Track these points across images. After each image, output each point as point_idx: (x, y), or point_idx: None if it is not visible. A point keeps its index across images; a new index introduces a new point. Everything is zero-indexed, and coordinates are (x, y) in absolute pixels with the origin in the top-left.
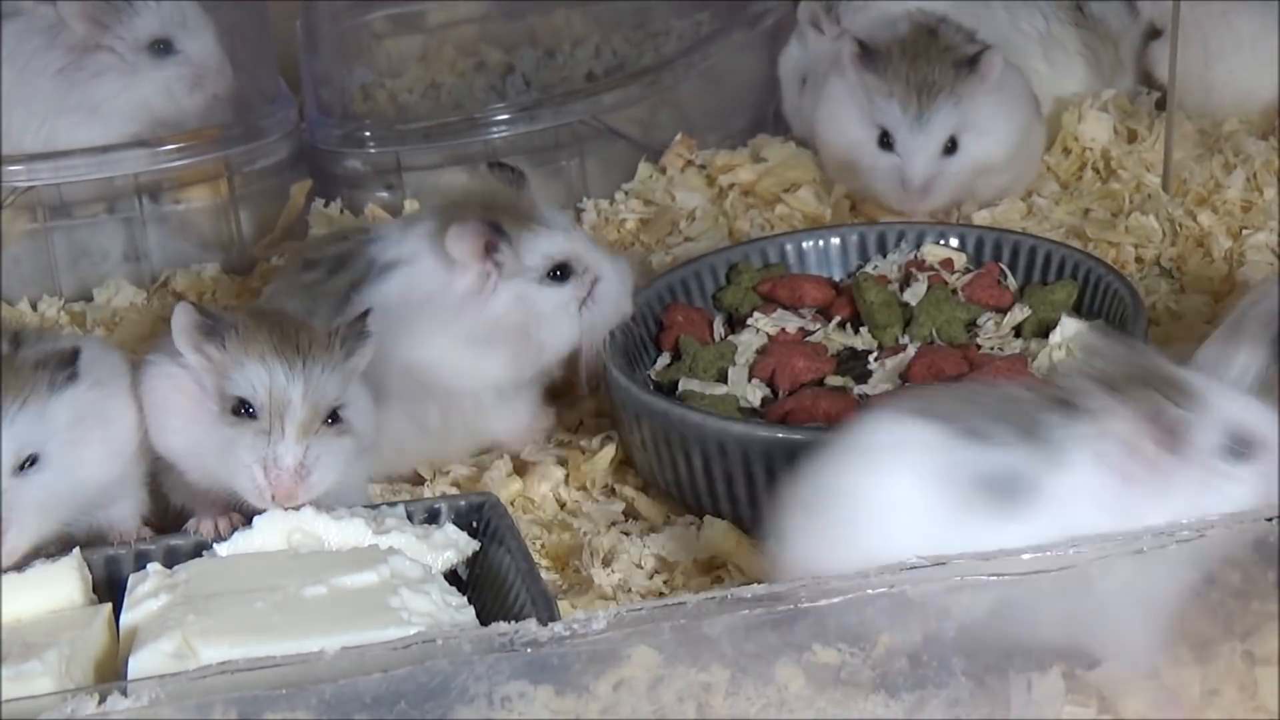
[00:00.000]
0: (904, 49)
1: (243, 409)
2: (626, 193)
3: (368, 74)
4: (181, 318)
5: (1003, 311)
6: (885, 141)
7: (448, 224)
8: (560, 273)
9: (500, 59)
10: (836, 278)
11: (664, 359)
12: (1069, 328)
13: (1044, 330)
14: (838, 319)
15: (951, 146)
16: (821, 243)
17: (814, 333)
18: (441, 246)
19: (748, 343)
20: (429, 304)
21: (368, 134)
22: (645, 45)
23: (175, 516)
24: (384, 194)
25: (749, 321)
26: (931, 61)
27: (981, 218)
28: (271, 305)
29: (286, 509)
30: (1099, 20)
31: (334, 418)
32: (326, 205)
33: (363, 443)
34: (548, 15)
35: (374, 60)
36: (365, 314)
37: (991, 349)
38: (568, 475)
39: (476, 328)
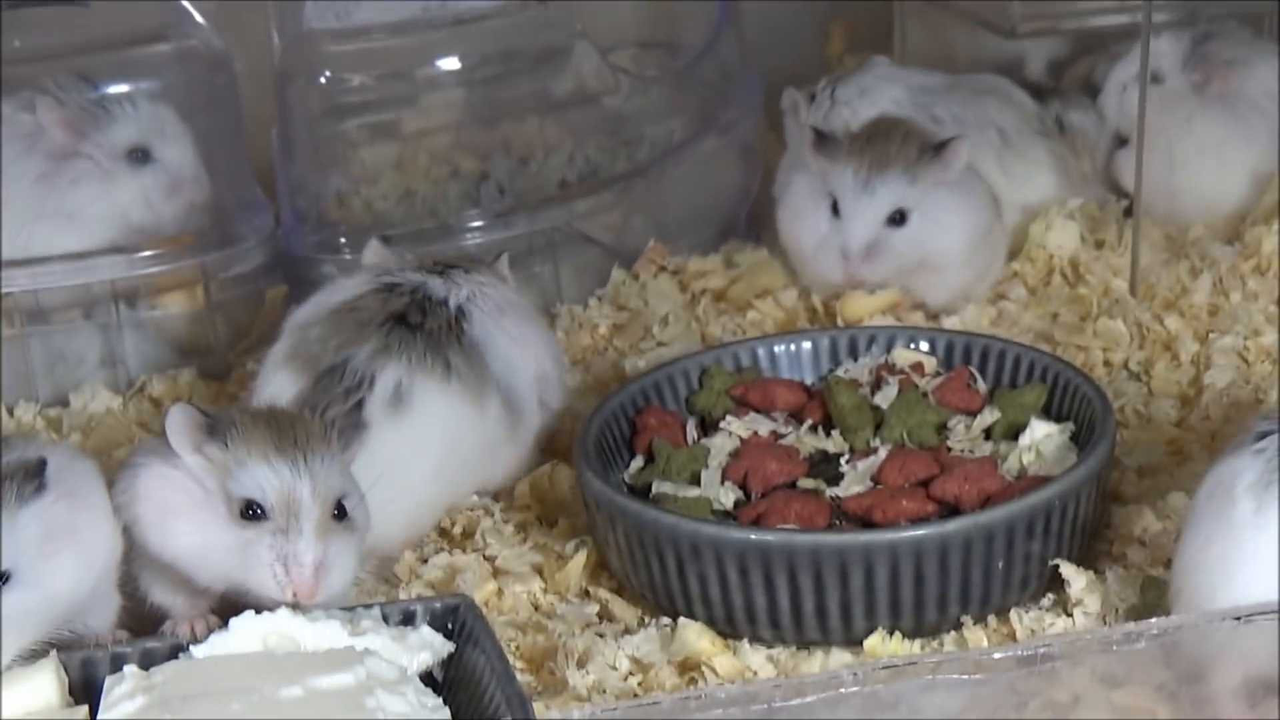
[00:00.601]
0: (863, 132)
1: (252, 510)
2: (600, 298)
3: (343, 181)
4: (179, 418)
5: (973, 414)
6: (836, 210)
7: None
8: None
9: (475, 167)
10: (808, 381)
11: (638, 462)
12: (1038, 430)
13: (1014, 433)
14: (810, 422)
15: (900, 219)
16: (793, 347)
17: (786, 436)
18: (488, 277)
19: (720, 446)
20: (521, 311)
21: (343, 240)
22: (618, 153)
23: (150, 616)
24: None
25: (722, 425)
26: (891, 141)
27: (951, 323)
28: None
29: (305, 607)
30: (1078, 131)
31: (340, 511)
32: None
33: (363, 536)
34: (521, 123)
35: (349, 168)
36: (359, 403)
37: (962, 451)
38: (543, 576)
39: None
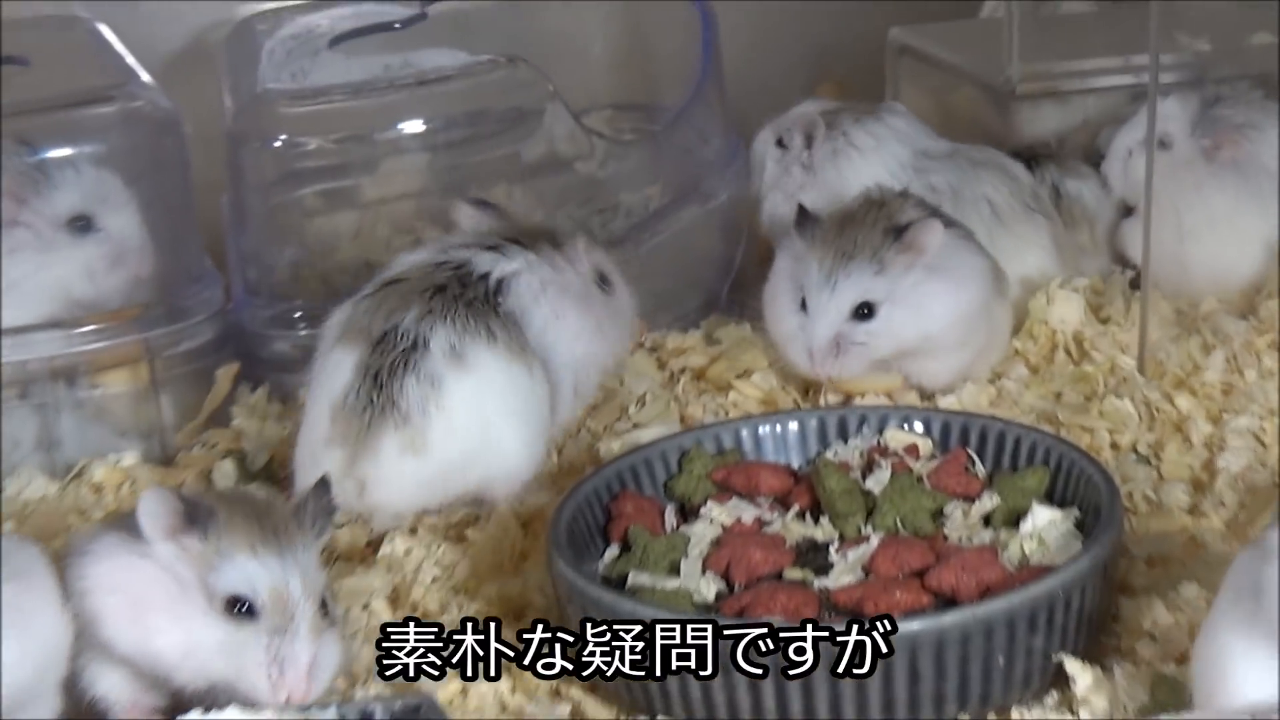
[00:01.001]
0: (839, 216)
1: (239, 607)
2: None
3: (298, 252)
4: (155, 504)
5: (971, 500)
6: (805, 304)
7: (552, 239)
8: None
9: (438, 236)
10: (795, 465)
11: (613, 551)
12: (1041, 517)
13: (1015, 519)
14: (796, 508)
15: (867, 312)
16: (779, 428)
17: (771, 523)
18: (549, 257)
19: (701, 534)
20: (571, 296)
21: (298, 315)
22: (592, 221)
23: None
24: None
25: (702, 511)
26: (859, 227)
27: (948, 402)
28: None
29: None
30: (1074, 199)
31: (323, 606)
32: (254, 390)
33: (341, 629)
34: (490, 190)
35: (305, 238)
36: (323, 480)
37: (959, 539)
38: (511, 673)
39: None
